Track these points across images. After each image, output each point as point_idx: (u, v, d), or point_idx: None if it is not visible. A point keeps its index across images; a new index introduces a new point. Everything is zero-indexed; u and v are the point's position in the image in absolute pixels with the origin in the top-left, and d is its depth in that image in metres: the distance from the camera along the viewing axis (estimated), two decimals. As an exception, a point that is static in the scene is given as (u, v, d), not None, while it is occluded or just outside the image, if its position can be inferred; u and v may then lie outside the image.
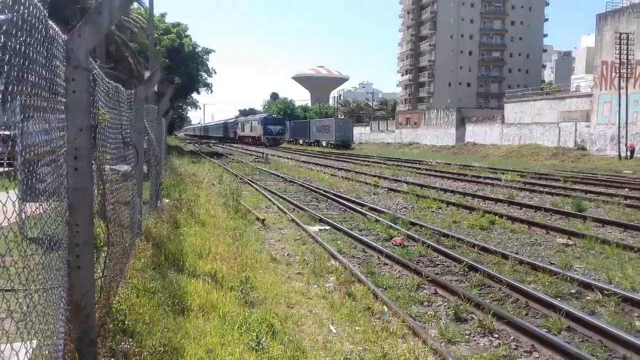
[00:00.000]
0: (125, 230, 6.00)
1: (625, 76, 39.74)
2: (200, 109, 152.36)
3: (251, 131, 72.73)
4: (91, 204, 3.60)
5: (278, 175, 23.30)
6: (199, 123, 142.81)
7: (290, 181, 21.03)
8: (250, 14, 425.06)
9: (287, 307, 6.32)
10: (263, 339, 4.87)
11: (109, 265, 4.73)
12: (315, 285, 7.29)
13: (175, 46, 44.65)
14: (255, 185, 19.02)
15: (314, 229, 11.15)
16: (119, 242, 5.42)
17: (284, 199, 15.73)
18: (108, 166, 4.97)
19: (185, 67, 46.59)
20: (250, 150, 50.75)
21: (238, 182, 19.29)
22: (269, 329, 5.20)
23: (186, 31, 48.19)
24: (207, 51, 51.27)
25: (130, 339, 4.32)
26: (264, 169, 26.98)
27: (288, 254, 9.17)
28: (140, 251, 6.88)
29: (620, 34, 40.24)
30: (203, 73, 52.26)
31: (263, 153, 39.13)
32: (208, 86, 54.99)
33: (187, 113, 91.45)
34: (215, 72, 54.44)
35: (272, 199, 15.57)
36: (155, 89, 22.99)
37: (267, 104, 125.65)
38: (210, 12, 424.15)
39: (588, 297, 6.86)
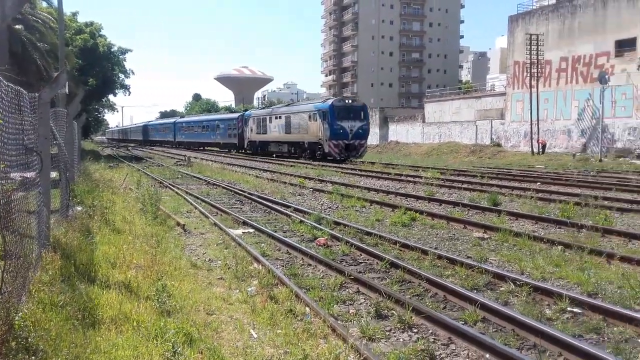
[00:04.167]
0: (29, 241, 5.63)
1: (536, 75, 41.96)
2: (117, 111, 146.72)
3: (287, 131, 39.61)
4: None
5: (201, 179, 22.82)
6: (116, 125, 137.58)
7: (214, 184, 20.63)
8: (170, 13, 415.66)
9: (206, 314, 6.14)
10: (179, 349, 4.69)
11: (7, 279, 4.41)
12: (237, 290, 7.14)
13: (89, 46, 42.80)
14: (176, 189, 18.51)
15: (237, 232, 10.96)
16: (20, 253, 5.06)
17: (206, 202, 15.40)
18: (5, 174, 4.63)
19: (100, 68, 44.74)
20: (172, 154, 49.45)
21: (158, 187, 18.71)
22: (186, 338, 5.02)
23: (100, 30, 46.31)
24: (123, 51, 49.49)
25: (33, 357, 4.05)
26: (186, 172, 26.34)
27: (209, 259, 8.95)
28: (47, 263, 6.48)
29: (531, 35, 42.44)
30: (120, 74, 50.39)
31: (185, 156, 38.20)
32: (125, 87, 53.08)
33: (103, 116, 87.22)
34: (133, 73, 52.71)
35: (194, 203, 15.20)
36: (67, 90, 21.94)
37: (189, 105, 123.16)
38: (127, 11, 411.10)
39: (502, 288, 7.12)
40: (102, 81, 46.81)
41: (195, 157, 40.05)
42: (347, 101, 36.66)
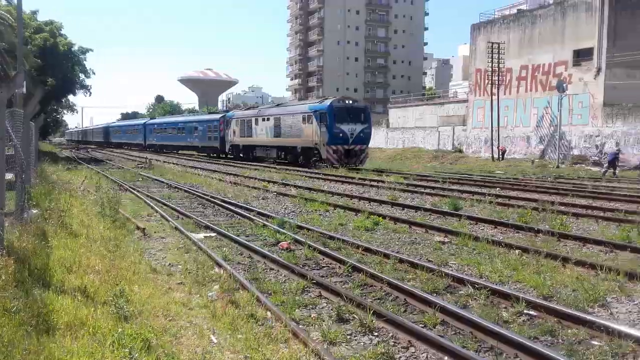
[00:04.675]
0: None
1: (496, 83, 42.90)
2: (77, 112, 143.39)
3: (277, 134, 35.92)
4: None
5: (162, 182, 22.49)
6: (76, 127, 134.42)
7: (176, 187, 20.37)
8: (133, 13, 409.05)
9: (165, 320, 6.04)
10: (136, 355, 4.61)
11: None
12: (198, 295, 7.06)
13: (49, 45, 41.68)
14: (136, 193, 18.19)
15: (199, 236, 10.84)
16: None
17: (167, 206, 15.18)
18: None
19: (59, 68, 43.61)
20: (133, 156, 48.59)
21: (117, 190, 18.36)
22: (144, 344, 4.92)
23: (61, 29, 45.18)
24: (84, 50, 48.34)
25: (-17, 365, 3.92)
26: (147, 175, 25.92)
27: (169, 264, 8.82)
28: (0, 267, 6.27)
29: (492, 43, 43.37)
30: (80, 74, 49.22)
31: (146, 158, 37.56)
32: (86, 88, 51.86)
33: (62, 117, 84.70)
34: (93, 73, 51.47)
35: (154, 206, 14.96)
36: (25, 90, 21.33)
37: (151, 107, 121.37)
38: (89, 10, 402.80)
39: (461, 292, 7.23)
40: (62, 81, 45.61)
41: (156, 160, 39.42)
42: (347, 101, 32.61)
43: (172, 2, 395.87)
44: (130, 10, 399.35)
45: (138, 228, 11.52)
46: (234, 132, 42.28)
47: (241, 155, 41.59)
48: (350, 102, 32.80)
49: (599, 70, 37.71)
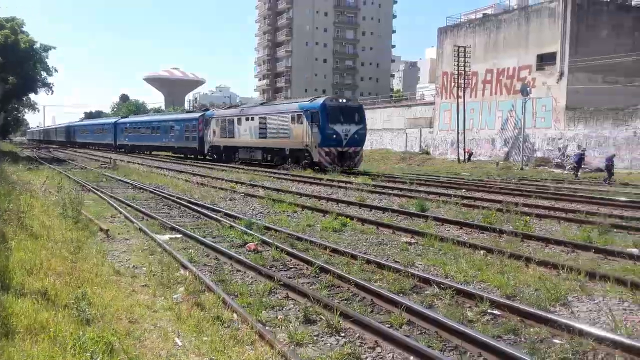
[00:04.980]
0: None
1: (462, 86, 43.55)
2: (39, 111, 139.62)
3: (262, 135, 33.74)
4: None
5: (127, 182, 22.10)
6: (37, 126, 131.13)
7: (140, 188, 20.04)
8: (98, 11, 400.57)
9: (129, 323, 5.94)
10: (98, 359, 4.51)
11: None
12: (162, 297, 6.95)
13: (10, 43, 40.54)
14: (100, 193, 17.84)
15: (164, 237, 10.68)
16: None
17: (132, 207, 14.91)
18: None
19: (21, 66, 42.47)
20: (97, 156, 47.62)
21: (80, 190, 17.97)
22: (106, 348, 4.82)
23: (22, 27, 44.00)
24: (46, 48, 47.13)
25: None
26: (112, 175, 25.44)
27: (134, 266, 8.67)
28: (-45, 271, 6.07)
29: (458, 47, 43.99)
30: (42, 72, 48.01)
31: (110, 158, 36.85)
32: (48, 86, 50.62)
33: (23, 115, 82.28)
34: (56, 71, 50.31)
35: (118, 207, 14.68)
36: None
37: (116, 107, 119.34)
38: (51, 8, 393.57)
39: (427, 292, 7.29)
40: (23, 79, 44.44)
41: (121, 160, 38.73)
42: (341, 100, 30.85)
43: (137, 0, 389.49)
44: (95, 8, 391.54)
45: (101, 229, 11.28)
46: (214, 132, 39.85)
47: (222, 157, 38.89)
48: (344, 100, 31.15)
49: (561, 74, 38.64)
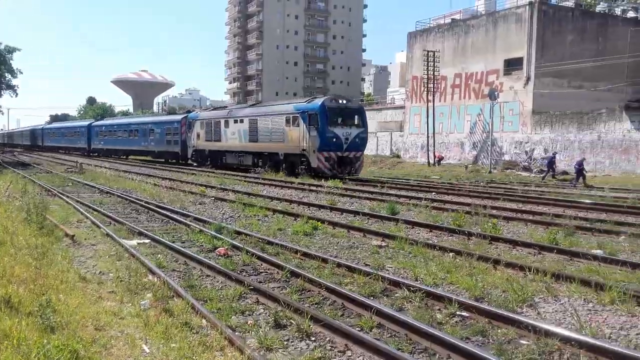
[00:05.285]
0: None
1: (432, 90, 44.07)
2: (3, 113, 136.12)
3: (253, 138, 31.87)
4: None
5: (94, 187, 21.70)
6: (1, 129, 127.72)
7: (108, 192, 19.70)
8: (64, 12, 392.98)
9: (95, 330, 5.83)
10: (63, 368, 4.40)
11: None
12: (130, 304, 6.83)
13: (-28, 43, 39.60)
14: (66, 198, 17.45)
15: (132, 243, 10.50)
16: None
17: (99, 212, 14.63)
18: None
19: (-16, 67, 41.49)
20: (63, 160, 46.62)
21: (45, 195, 17.57)
22: (71, 356, 4.74)
23: (-15, 28, 42.98)
24: (11, 50, 46.13)
25: None
26: (78, 179, 24.94)
27: (100, 272, 8.50)
28: None
29: (428, 51, 44.55)
30: (6, 74, 46.91)
31: (77, 162, 36.09)
32: (12, 88, 49.49)
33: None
34: (21, 73, 49.25)
35: (85, 212, 14.39)
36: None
37: (83, 109, 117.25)
38: (17, 8, 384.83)
39: (397, 294, 7.33)
40: (-14, 81, 43.43)
41: (87, 164, 37.99)
42: (341, 101, 28.26)
43: (104, 1, 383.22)
44: (63, 9, 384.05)
45: (67, 235, 11.04)
46: (198, 136, 37.61)
47: (208, 162, 36.60)
48: (344, 101, 28.58)
49: (528, 79, 39.44)
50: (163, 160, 44.58)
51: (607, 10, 48.13)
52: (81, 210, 14.83)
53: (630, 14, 47.58)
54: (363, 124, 28.38)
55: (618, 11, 48.26)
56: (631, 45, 39.50)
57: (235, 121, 33.63)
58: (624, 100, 36.40)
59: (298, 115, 28.03)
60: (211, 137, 36.18)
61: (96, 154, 56.51)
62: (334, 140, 26.67)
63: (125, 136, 50.71)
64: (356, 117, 28.19)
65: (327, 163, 26.86)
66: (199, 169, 34.01)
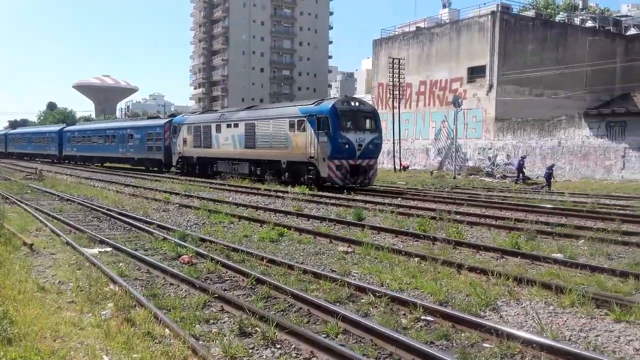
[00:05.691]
0: None
1: (397, 97, 44.54)
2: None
3: (250, 144, 29.15)
4: None
5: (54, 194, 21.16)
6: None
7: (68, 200, 19.23)
8: (23, 13, 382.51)
9: (54, 341, 5.67)
10: (19, 381, 4.26)
11: None
12: (90, 314, 6.66)
13: None
14: (24, 206, 16.97)
15: (93, 251, 10.26)
16: None
17: (58, 220, 14.27)
18: None
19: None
20: (21, 166, 45.31)
21: (3, 203, 17.07)
22: (28, 369, 4.57)
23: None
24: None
25: None
26: (37, 187, 24.30)
27: (60, 282, 8.27)
28: None
29: (393, 59, 45.06)
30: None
31: (36, 169, 35.16)
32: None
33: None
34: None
35: (44, 220, 14.02)
36: None
37: (42, 115, 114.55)
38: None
39: (363, 300, 7.34)
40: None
41: (48, 171, 37.04)
42: (353, 103, 25.83)
43: (65, 2, 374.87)
44: (22, 11, 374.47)
45: (25, 244, 10.72)
46: (185, 142, 34.82)
47: (196, 170, 34.24)
48: (357, 104, 26.04)
49: (490, 86, 40.27)
50: (143, 168, 41.79)
51: (566, 20, 49.53)
52: (40, 218, 14.44)
53: (589, 24, 49.10)
54: (377, 128, 25.90)
55: (577, 21, 49.71)
56: (590, 54, 40.79)
57: (229, 125, 31.02)
58: (583, 108, 37.52)
59: (304, 118, 25.35)
60: (200, 143, 33.53)
61: (68, 161, 53.70)
62: (347, 146, 24.21)
63: (101, 142, 47.42)
64: (370, 120, 25.79)
65: (339, 172, 24.25)
66: (184, 177, 31.95)
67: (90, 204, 17.81)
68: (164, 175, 34.21)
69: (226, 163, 31.48)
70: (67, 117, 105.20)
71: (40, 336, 5.72)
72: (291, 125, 26.06)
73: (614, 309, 6.68)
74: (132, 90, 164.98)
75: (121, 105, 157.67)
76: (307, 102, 27.48)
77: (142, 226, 13.39)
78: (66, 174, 35.33)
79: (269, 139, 27.62)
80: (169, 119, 39.82)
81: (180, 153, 35.73)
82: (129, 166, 44.11)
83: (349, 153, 24.24)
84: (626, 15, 61.33)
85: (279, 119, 27.26)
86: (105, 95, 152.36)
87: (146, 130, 40.95)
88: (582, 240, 11.83)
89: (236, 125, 30.29)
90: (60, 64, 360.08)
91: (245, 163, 29.90)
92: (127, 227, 13.80)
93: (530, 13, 49.20)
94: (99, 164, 47.91)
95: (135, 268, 9.26)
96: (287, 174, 26.79)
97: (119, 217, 14.95)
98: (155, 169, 40.01)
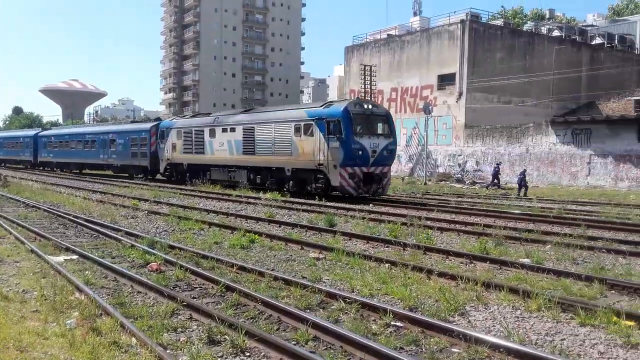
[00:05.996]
0: None
1: (368, 104, 44.77)
2: None
3: (249, 150, 26.98)
4: None
5: (18, 200, 20.67)
6: None
7: (34, 206, 18.80)
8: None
9: (17, 351, 5.53)
10: (-22, 395, 4.12)
11: None
12: (55, 323, 6.50)
13: None
14: (-12, 213, 16.54)
15: (58, 259, 10.03)
16: None
17: (23, 227, 13.93)
18: None
19: None
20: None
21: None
22: (-12, 381, 4.43)
23: None
24: None
25: None
26: (1, 193, 23.70)
27: (24, 290, 8.06)
28: None
29: (365, 65, 45.34)
30: None
31: (1, 175, 34.31)
32: None
33: None
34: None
35: (8, 227, 13.66)
36: None
37: (8, 120, 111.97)
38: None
39: (333, 306, 7.33)
40: None
41: (12, 177, 36.16)
42: (366, 106, 23.93)
43: (31, 3, 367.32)
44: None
45: (-13, 252, 10.43)
46: (174, 147, 32.47)
47: (186, 177, 31.77)
48: (370, 107, 24.08)
49: (460, 94, 40.88)
50: (127, 175, 39.30)
51: (534, 29, 50.60)
52: (4, 225, 14.06)
53: (556, 33, 50.26)
54: (392, 133, 23.96)
55: (544, 30, 50.82)
56: (556, 62, 41.80)
57: (225, 130, 28.69)
58: (550, 115, 38.40)
59: (312, 122, 23.38)
60: (191, 149, 31.17)
61: (43, 167, 51.41)
62: (360, 152, 22.37)
63: (80, 147, 44.61)
64: (384, 124, 23.92)
65: (352, 181, 22.52)
66: (172, 185, 30.24)
67: (57, 210, 17.44)
68: (132, 181, 33.70)
69: (221, 170, 29.35)
70: (34, 122, 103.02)
71: (3, 346, 5.59)
72: (297, 130, 24.14)
73: (579, 313, 6.81)
74: (100, 95, 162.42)
75: (89, 110, 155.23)
76: (315, 105, 26.13)
77: (109, 233, 13.16)
78: (32, 180, 34.54)
79: (271, 144, 25.68)
80: (156, 122, 37.65)
81: (168, 159, 33.43)
82: (111, 173, 41.81)
83: (362, 160, 22.53)
84: (592, 25, 63.14)
85: (283, 122, 25.31)
86: (72, 100, 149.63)
87: (130, 135, 38.39)
88: (549, 246, 12.05)
89: (233, 130, 28.18)
90: (26, 67, 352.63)
91: (243, 170, 27.88)
92: (94, 234, 13.54)
93: (499, 22, 50.17)
94: (77, 171, 45.57)
95: (102, 276, 9.08)
96: (291, 182, 25.08)
97: (86, 224, 14.66)
98: (140, 176, 37.64)
